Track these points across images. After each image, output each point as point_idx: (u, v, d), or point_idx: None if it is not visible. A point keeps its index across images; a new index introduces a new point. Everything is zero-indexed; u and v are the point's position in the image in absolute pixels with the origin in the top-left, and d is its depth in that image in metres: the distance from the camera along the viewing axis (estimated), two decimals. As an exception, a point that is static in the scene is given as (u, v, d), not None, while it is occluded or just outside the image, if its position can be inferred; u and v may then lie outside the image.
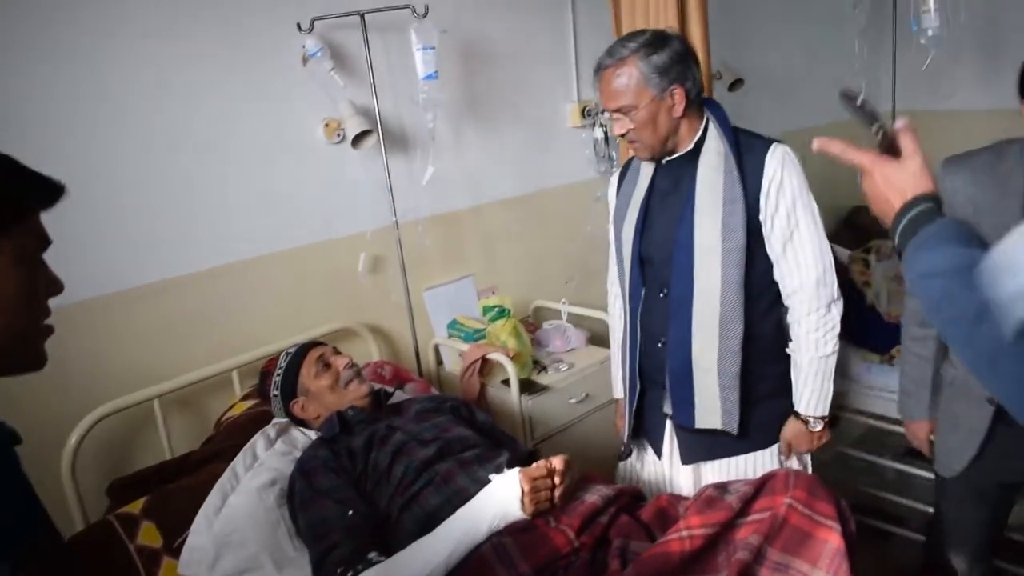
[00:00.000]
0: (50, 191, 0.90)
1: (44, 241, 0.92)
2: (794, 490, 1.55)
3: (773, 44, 3.86)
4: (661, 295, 1.95)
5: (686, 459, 2.04)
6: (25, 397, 1.81)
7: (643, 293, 2.00)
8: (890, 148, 1.05)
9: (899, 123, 1.06)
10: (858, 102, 1.08)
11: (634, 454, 2.19)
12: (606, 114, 1.91)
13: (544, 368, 2.74)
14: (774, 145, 1.85)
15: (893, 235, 1.01)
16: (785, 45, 3.92)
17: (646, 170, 1.99)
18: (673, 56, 1.79)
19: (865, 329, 2.90)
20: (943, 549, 2.11)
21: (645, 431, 2.12)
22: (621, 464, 2.26)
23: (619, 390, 2.26)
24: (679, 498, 1.77)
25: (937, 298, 0.93)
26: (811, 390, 1.93)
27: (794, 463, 2.04)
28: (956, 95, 3.41)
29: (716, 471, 2.03)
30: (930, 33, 3.03)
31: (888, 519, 2.93)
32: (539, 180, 3.12)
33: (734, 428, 1.91)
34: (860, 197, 1.09)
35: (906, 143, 1.04)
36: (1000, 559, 2.15)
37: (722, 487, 1.68)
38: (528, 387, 2.61)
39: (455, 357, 2.79)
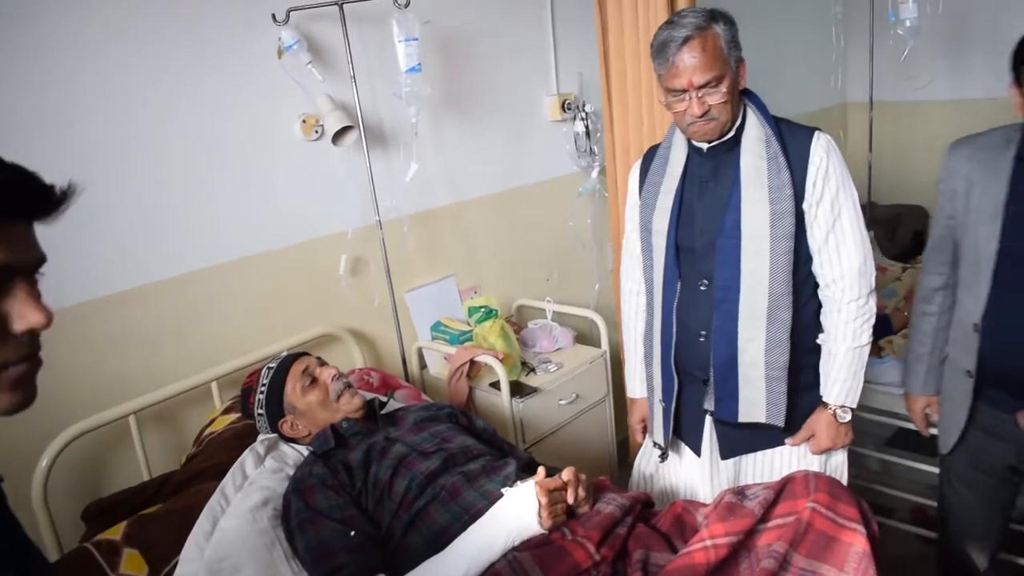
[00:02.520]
0: (43, 199, 0.78)
1: (38, 262, 0.77)
2: (816, 493, 1.52)
3: (752, 34, 3.83)
4: (701, 287, 1.87)
5: (726, 454, 1.97)
6: (-9, 418, 1.68)
7: (679, 286, 1.91)
8: None
9: None
10: None
11: (669, 455, 2.09)
12: (689, 93, 1.71)
13: (532, 369, 2.67)
14: (817, 133, 1.81)
15: None
16: (763, 36, 3.90)
17: (677, 157, 1.90)
18: (734, 28, 1.75)
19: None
20: (950, 540, 2.12)
21: (681, 429, 2.02)
22: (640, 466, 2.18)
23: (638, 390, 2.17)
24: (696, 504, 1.71)
25: None
26: (844, 379, 1.86)
27: (829, 461, 1.99)
28: (932, 85, 3.43)
29: (757, 465, 1.99)
30: (907, 24, 3.04)
31: (875, 510, 2.91)
32: (519, 175, 3.05)
33: (780, 420, 1.85)
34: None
35: None
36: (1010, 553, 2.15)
37: (739, 492, 1.63)
38: (517, 389, 2.54)
39: (440, 360, 2.70)
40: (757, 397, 1.85)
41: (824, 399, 1.90)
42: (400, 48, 2.27)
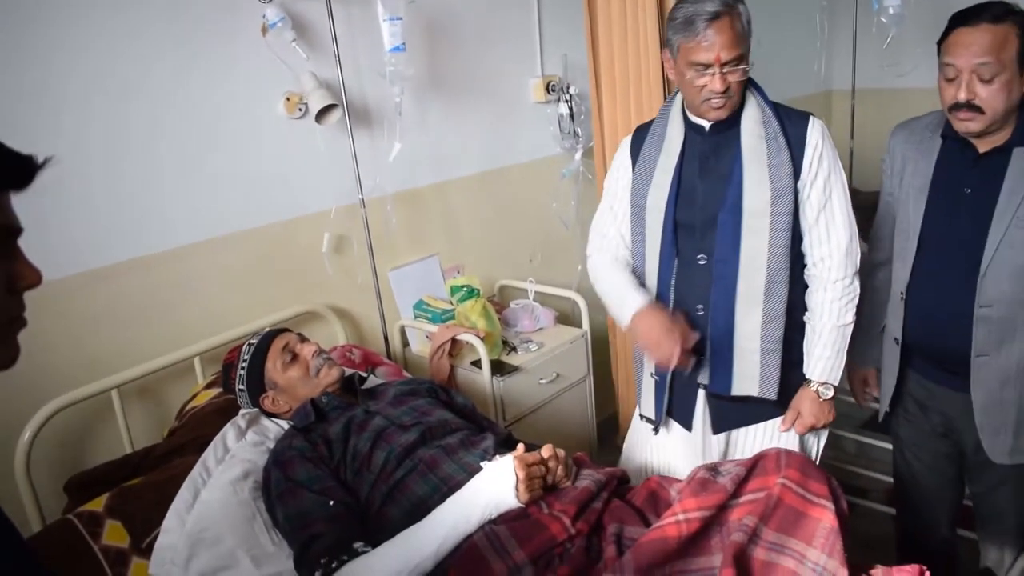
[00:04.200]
0: (18, 169, 0.80)
1: (8, 229, 0.81)
2: (787, 470, 1.54)
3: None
4: (700, 261, 1.89)
5: (717, 428, 2.02)
6: (-27, 391, 1.69)
7: (676, 262, 1.93)
8: None
9: None
10: None
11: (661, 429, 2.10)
12: (713, 69, 1.72)
13: (513, 348, 2.69)
14: (812, 117, 1.86)
15: None
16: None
17: (674, 135, 1.91)
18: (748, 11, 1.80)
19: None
20: (906, 512, 2.21)
21: (672, 404, 2.04)
22: (630, 443, 2.20)
23: (637, 301, 1.92)
24: (670, 480, 1.74)
25: None
26: (828, 357, 1.91)
27: (808, 441, 2.04)
28: (915, 73, 3.45)
29: (748, 439, 2.03)
30: (891, 11, 3.06)
31: (851, 491, 2.97)
32: (503, 156, 3.06)
33: (773, 394, 1.90)
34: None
35: None
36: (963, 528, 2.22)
37: (713, 468, 1.66)
38: (498, 368, 2.57)
39: (422, 339, 2.72)
40: (751, 371, 1.89)
41: (808, 376, 1.94)
42: (384, 27, 2.27)
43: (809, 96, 4.37)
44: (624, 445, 2.25)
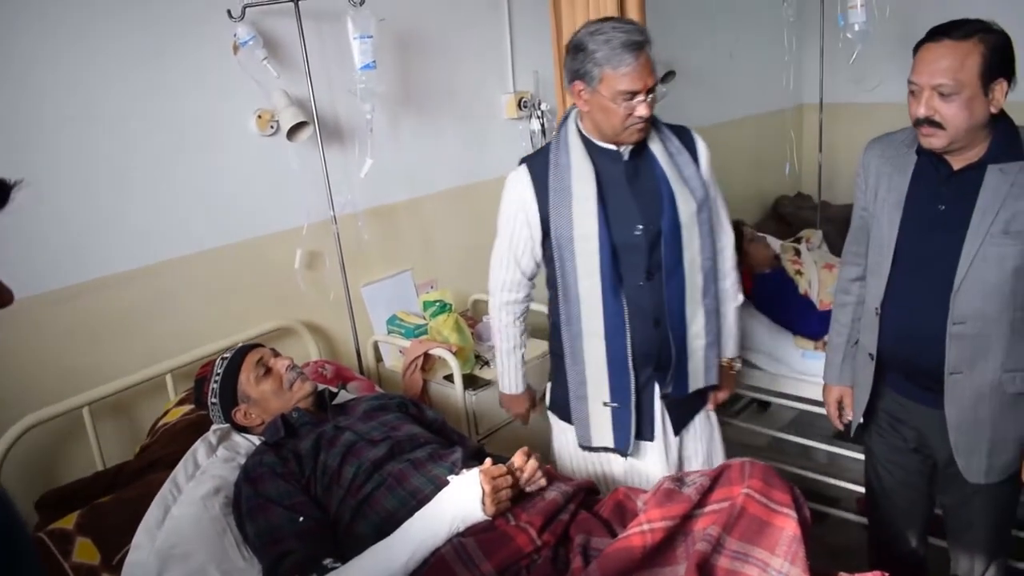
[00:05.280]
0: None
1: None
2: (750, 479, 1.57)
3: (703, 36, 3.91)
4: (647, 278, 1.96)
5: (678, 429, 2.13)
6: (-57, 409, 1.69)
7: (620, 284, 1.95)
8: None
9: None
10: None
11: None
12: (640, 96, 1.82)
13: (486, 363, 2.71)
14: (692, 129, 2.07)
15: None
16: (715, 38, 3.98)
17: (580, 163, 1.93)
18: None
19: (798, 317, 2.96)
20: (878, 523, 2.22)
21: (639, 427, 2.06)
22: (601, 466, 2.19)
23: (514, 384, 2.27)
24: (636, 491, 1.77)
25: None
26: (735, 335, 2.21)
27: (714, 420, 2.24)
28: (880, 88, 3.52)
29: (695, 430, 2.18)
30: (856, 28, 3.13)
31: (822, 500, 3.02)
32: (475, 172, 3.08)
33: (715, 379, 2.13)
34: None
35: None
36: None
37: (678, 479, 1.68)
38: (471, 382, 2.59)
39: (395, 354, 2.74)
40: (700, 366, 2.07)
41: (726, 355, 2.19)
42: (355, 45, 2.30)
43: (778, 111, 4.44)
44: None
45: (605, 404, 2.02)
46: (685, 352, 2.02)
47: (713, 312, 2.05)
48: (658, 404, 2.06)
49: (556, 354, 2.11)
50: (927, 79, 1.66)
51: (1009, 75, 1.67)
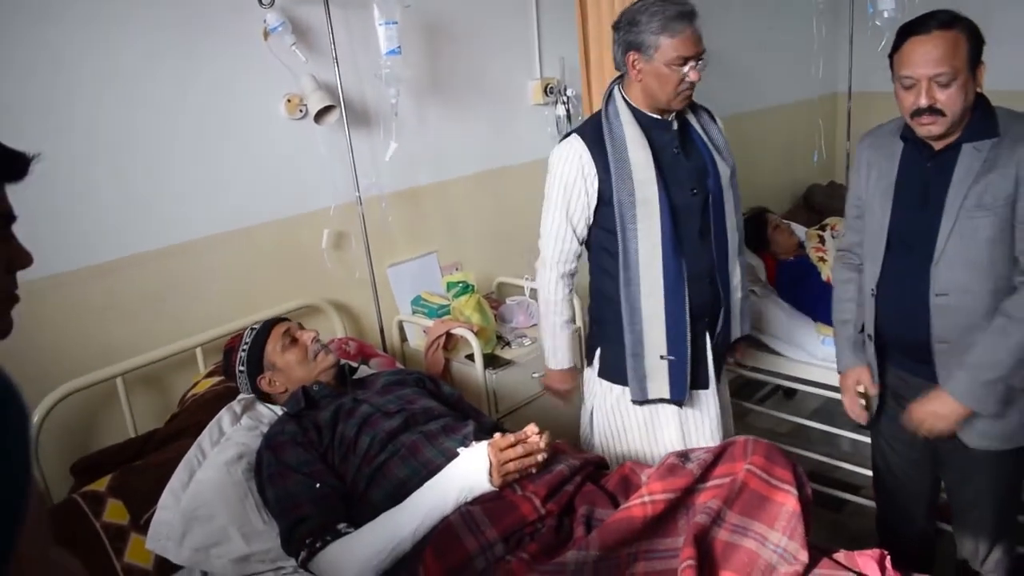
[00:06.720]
0: (13, 163, 0.89)
1: (6, 216, 0.90)
2: (753, 456, 1.60)
3: (732, 24, 3.90)
4: (701, 237, 2.10)
5: (719, 378, 2.28)
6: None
7: (680, 244, 2.06)
8: None
9: None
10: None
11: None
12: (692, 62, 1.94)
13: (508, 343, 2.77)
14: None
15: None
16: (744, 25, 3.97)
17: (633, 133, 2.03)
18: None
19: (820, 303, 2.96)
20: (885, 503, 2.27)
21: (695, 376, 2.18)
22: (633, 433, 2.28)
23: (566, 359, 2.29)
24: (641, 466, 1.81)
25: None
26: None
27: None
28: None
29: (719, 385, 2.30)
30: (886, 15, 3.11)
31: (843, 487, 3.03)
32: (501, 157, 3.13)
33: (749, 327, 2.34)
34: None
35: None
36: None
37: (683, 455, 1.72)
38: (492, 362, 2.64)
39: (419, 333, 2.80)
40: (738, 317, 2.26)
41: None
42: (380, 31, 2.36)
43: (807, 99, 4.41)
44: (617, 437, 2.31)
45: (662, 358, 2.10)
46: (729, 304, 2.19)
47: (744, 267, 2.23)
48: (710, 355, 2.18)
49: (605, 321, 2.18)
50: (925, 71, 1.70)
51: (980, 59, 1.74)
